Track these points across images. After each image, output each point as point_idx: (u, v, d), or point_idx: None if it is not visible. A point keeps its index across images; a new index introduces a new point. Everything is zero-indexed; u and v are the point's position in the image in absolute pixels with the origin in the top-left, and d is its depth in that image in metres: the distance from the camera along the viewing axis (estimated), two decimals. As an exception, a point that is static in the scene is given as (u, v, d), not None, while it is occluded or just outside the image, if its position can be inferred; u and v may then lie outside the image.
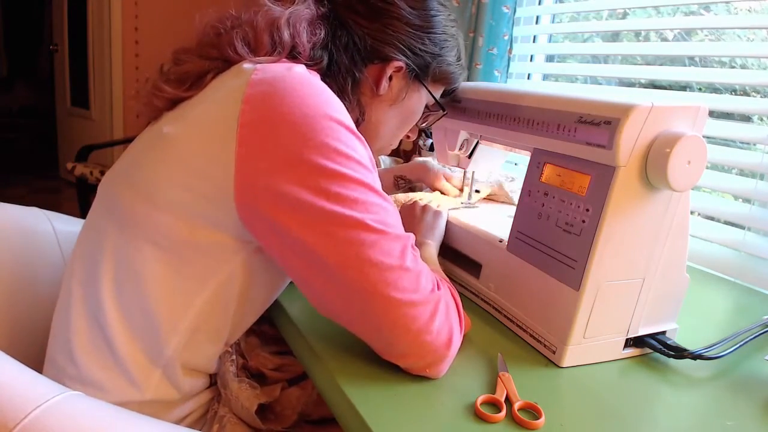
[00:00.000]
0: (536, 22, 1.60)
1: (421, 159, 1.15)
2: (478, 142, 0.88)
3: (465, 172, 0.95)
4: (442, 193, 1.00)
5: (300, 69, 0.59)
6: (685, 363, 0.64)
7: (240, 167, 0.54)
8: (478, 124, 0.81)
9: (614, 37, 1.52)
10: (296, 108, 0.54)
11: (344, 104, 0.64)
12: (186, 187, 0.56)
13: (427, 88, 0.75)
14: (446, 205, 0.91)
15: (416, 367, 0.56)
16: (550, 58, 1.61)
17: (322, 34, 0.65)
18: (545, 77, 1.61)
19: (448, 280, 0.66)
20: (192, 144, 0.57)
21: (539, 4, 1.59)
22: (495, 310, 0.73)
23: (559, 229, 0.63)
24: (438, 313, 0.55)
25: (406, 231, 0.77)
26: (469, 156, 0.90)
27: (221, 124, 0.56)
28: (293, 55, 0.63)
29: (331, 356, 0.60)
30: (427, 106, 0.80)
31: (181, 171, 0.57)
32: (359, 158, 0.56)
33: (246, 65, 0.60)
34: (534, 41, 1.60)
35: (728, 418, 0.55)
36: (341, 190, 0.53)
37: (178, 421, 0.64)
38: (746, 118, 1.21)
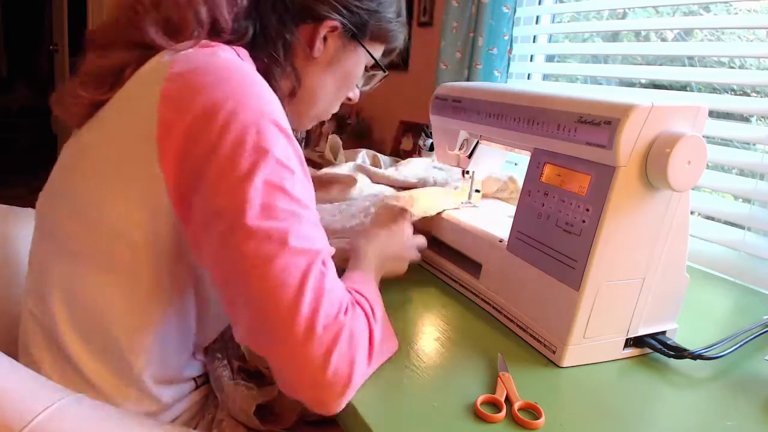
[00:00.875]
0: (536, 22, 1.60)
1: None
2: (478, 142, 0.88)
3: (465, 173, 0.95)
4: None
5: (223, 55, 0.55)
6: (685, 363, 0.64)
7: (168, 173, 0.51)
8: (478, 124, 0.81)
9: (614, 37, 1.52)
10: (215, 103, 0.50)
11: (276, 72, 0.61)
12: (117, 199, 0.53)
13: (365, 48, 0.70)
14: (446, 205, 0.91)
15: (309, 403, 0.51)
16: (550, 58, 1.61)
17: (244, 3, 0.60)
18: (545, 77, 1.61)
19: (376, 299, 0.59)
20: (113, 153, 0.54)
21: (539, 4, 1.59)
22: (495, 310, 0.73)
23: (559, 229, 0.63)
24: (338, 345, 0.49)
25: (366, 228, 0.69)
26: (469, 156, 0.90)
27: (139, 127, 0.52)
28: (215, 33, 0.58)
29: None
30: (366, 68, 0.74)
31: (108, 182, 0.53)
32: (280, 157, 0.51)
33: (164, 57, 0.55)
34: (534, 41, 1.60)
35: (728, 418, 0.55)
36: (251, 192, 0.48)
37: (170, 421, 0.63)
38: (745, 118, 1.21)
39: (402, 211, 0.82)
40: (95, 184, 0.54)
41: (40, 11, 4.85)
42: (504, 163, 1.00)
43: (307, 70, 0.67)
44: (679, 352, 0.62)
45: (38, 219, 0.61)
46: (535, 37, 1.60)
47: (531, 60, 1.63)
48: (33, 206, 0.83)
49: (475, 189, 0.96)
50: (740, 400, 0.58)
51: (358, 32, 0.68)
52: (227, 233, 0.49)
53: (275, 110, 0.53)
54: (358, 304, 0.55)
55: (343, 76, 0.71)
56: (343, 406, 0.51)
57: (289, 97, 0.67)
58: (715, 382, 0.62)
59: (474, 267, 0.78)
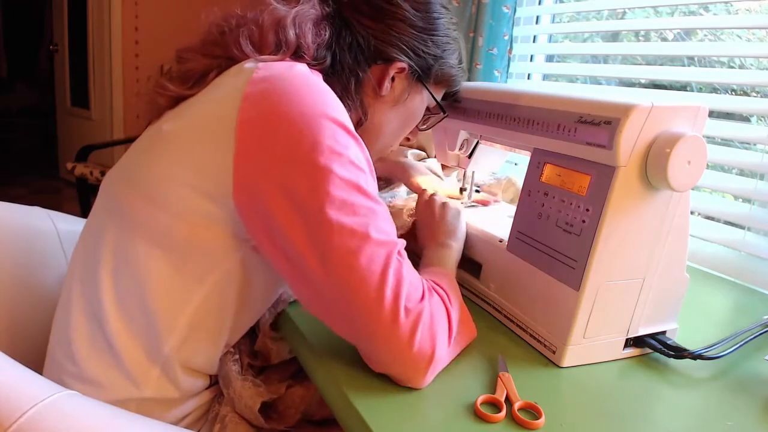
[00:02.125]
0: (536, 22, 1.60)
1: (397, 158, 1.13)
2: (478, 142, 0.88)
3: (465, 173, 0.95)
4: (413, 190, 0.97)
5: (301, 68, 0.59)
6: (685, 363, 0.64)
7: (238, 165, 0.54)
8: (478, 124, 0.81)
9: (614, 37, 1.52)
10: (294, 106, 0.54)
11: (347, 104, 0.64)
12: (185, 185, 0.57)
13: (429, 90, 0.75)
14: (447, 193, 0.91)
15: (398, 378, 0.55)
16: (550, 58, 1.61)
17: (326, 35, 0.66)
18: (545, 77, 1.61)
19: (451, 288, 0.64)
20: (191, 141, 0.57)
21: (539, 4, 1.59)
22: (495, 310, 0.73)
23: (559, 229, 0.63)
24: (420, 325, 0.54)
25: (424, 231, 0.75)
26: (469, 156, 0.90)
27: (220, 121, 0.56)
28: (298, 55, 0.63)
29: (332, 356, 0.60)
30: (428, 108, 0.80)
31: (180, 168, 0.57)
32: (353, 158, 0.55)
33: (248, 64, 0.60)
34: (534, 41, 1.60)
35: (728, 418, 0.55)
36: (332, 191, 0.53)
37: (177, 421, 0.64)
38: (745, 118, 1.21)
39: (430, 198, 0.85)
40: (166, 167, 0.58)
41: (40, 11, 4.85)
42: (504, 163, 1.01)
43: (374, 107, 0.72)
44: (679, 352, 0.62)
45: (102, 195, 0.65)
46: (535, 37, 1.60)
47: (531, 60, 1.63)
48: (33, 206, 0.83)
49: (475, 189, 0.96)
50: (740, 400, 0.58)
51: (424, 75, 0.73)
52: (311, 227, 0.53)
53: (343, 116, 0.57)
54: (435, 290, 0.59)
55: (407, 115, 0.76)
56: (429, 381, 0.56)
57: (356, 127, 0.69)
58: (715, 382, 0.62)
59: (474, 267, 0.78)
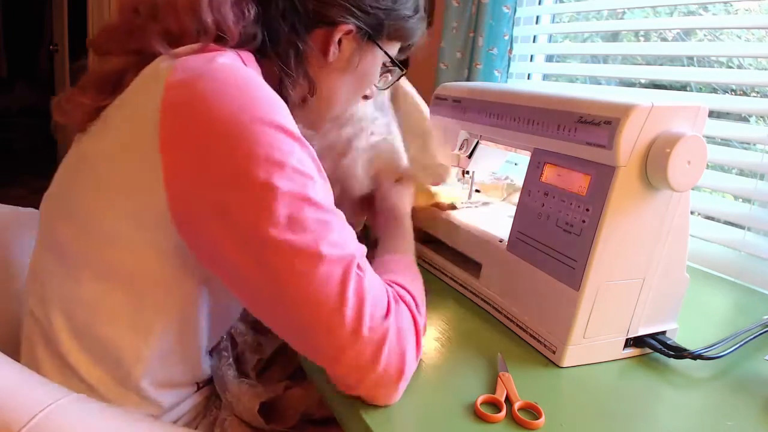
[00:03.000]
0: (536, 22, 1.60)
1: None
2: (478, 142, 0.88)
3: (465, 173, 0.94)
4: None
5: (224, 60, 0.52)
6: (685, 363, 0.64)
7: (169, 189, 0.49)
8: (478, 124, 0.81)
9: (614, 37, 1.52)
10: (220, 113, 0.48)
11: (289, 81, 0.59)
12: (121, 216, 0.52)
13: (382, 49, 0.67)
14: (449, 200, 0.91)
15: (369, 399, 0.52)
16: (550, 58, 1.61)
17: (252, 13, 0.57)
18: (545, 77, 1.61)
19: (414, 282, 0.60)
20: (117, 166, 0.52)
21: (539, 4, 1.59)
22: (495, 310, 0.73)
23: (559, 229, 0.63)
24: (386, 344, 0.50)
25: (402, 196, 0.71)
26: (469, 156, 0.90)
27: (142, 140, 0.50)
28: (221, 39, 0.56)
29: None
30: (384, 64, 0.72)
31: (112, 198, 0.52)
32: (297, 165, 0.49)
33: (163, 63, 0.52)
34: (534, 41, 1.60)
35: (728, 418, 0.55)
36: (275, 208, 0.47)
37: (172, 423, 0.63)
38: (744, 118, 1.21)
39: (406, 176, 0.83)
40: (95, 195, 0.53)
41: (40, 11, 4.85)
42: (504, 163, 1.01)
43: (321, 75, 0.65)
44: (679, 352, 0.62)
45: (40, 224, 0.61)
46: (535, 37, 1.60)
47: (531, 60, 1.63)
48: (33, 206, 0.83)
49: (475, 189, 0.96)
50: (740, 400, 0.58)
51: (374, 33, 0.65)
52: (255, 251, 0.48)
53: (281, 115, 0.51)
54: (401, 298, 0.54)
55: (360, 78, 0.69)
56: (398, 397, 0.52)
57: (301, 103, 0.65)
58: (715, 382, 0.62)
59: (474, 267, 0.78)
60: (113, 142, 0.53)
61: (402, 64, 0.73)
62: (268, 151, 0.48)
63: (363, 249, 0.53)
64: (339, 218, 0.52)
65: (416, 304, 0.56)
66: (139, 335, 0.55)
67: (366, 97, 0.76)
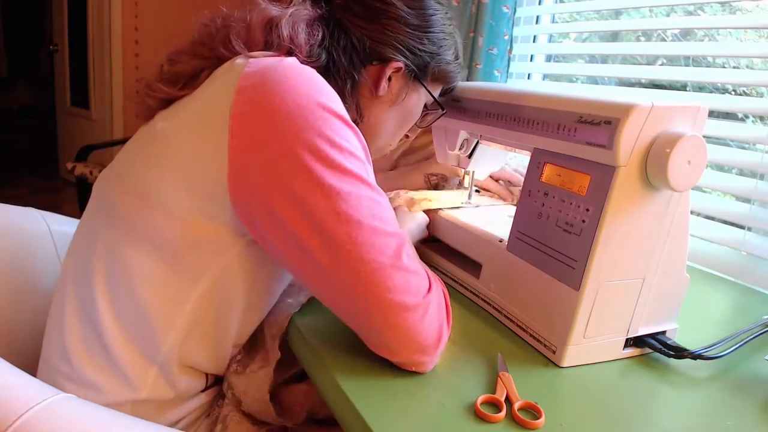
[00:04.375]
0: (536, 22, 1.60)
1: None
2: (478, 142, 0.88)
3: (465, 173, 0.94)
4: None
5: (292, 60, 0.59)
6: (685, 363, 0.64)
7: (233, 160, 0.54)
8: (478, 124, 0.81)
9: (614, 37, 1.52)
10: (288, 97, 0.54)
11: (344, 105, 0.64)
12: (179, 183, 0.56)
13: (426, 88, 0.75)
14: (447, 204, 0.91)
15: (406, 363, 0.56)
16: (549, 58, 1.61)
17: (319, 36, 0.65)
18: (545, 77, 1.61)
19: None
20: (185, 140, 0.57)
21: (539, 4, 1.59)
22: (495, 310, 0.73)
23: (559, 229, 0.63)
24: (428, 313, 0.55)
25: (404, 218, 0.75)
26: (469, 156, 0.90)
27: (213, 117, 0.55)
28: (290, 54, 0.62)
29: (331, 356, 0.60)
30: (425, 105, 0.79)
31: (175, 167, 0.57)
32: (352, 149, 0.55)
33: (239, 60, 0.59)
34: (534, 41, 1.60)
35: (728, 418, 0.55)
36: (334, 183, 0.52)
37: (173, 424, 0.63)
38: (741, 119, 1.21)
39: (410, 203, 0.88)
40: (160, 166, 0.57)
41: (40, 11, 4.85)
42: (504, 163, 1.00)
43: (371, 107, 0.72)
44: (679, 352, 0.62)
45: (95, 197, 0.65)
46: (535, 37, 1.60)
47: (531, 60, 1.63)
48: (33, 206, 0.83)
49: (475, 189, 0.96)
50: (740, 400, 0.58)
51: (420, 73, 0.73)
52: (317, 226, 0.52)
53: (340, 106, 0.57)
54: (434, 276, 0.60)
55: (405, 114, 0.76)
56: (433, 366, 0.58)
57: None
58: (715, 382, 0.62)
59: (474, 267, 0.78)
60: (185, 121, 0.58)
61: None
62: (330, 134, 0.53)
63: (407, 234, 0.59)
64: (386, 200, 0.57)
65: (441, 281, 0.62)
66: (175, 304, 0.59)
67: (407, 136, 0.82)
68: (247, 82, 0.55)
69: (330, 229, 0.52)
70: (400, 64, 0.69)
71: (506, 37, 1.50)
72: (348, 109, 0.65)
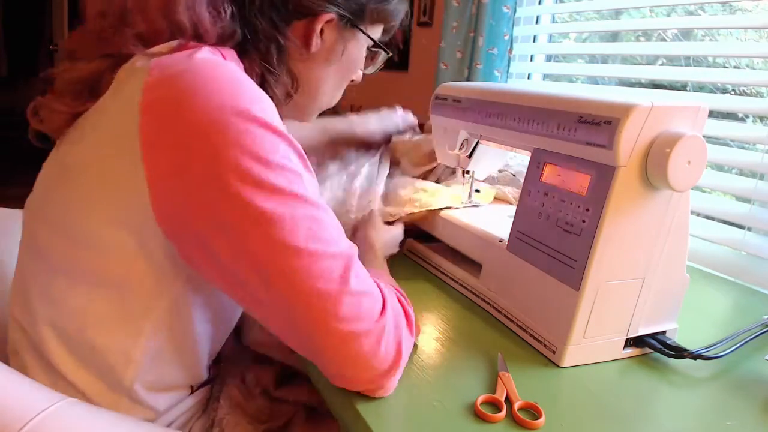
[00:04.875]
0: (536, 22, 1.60)
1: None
2: (478, 142, 0.88)
3: (465, 173, 0.94)
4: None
5: (203, 55, 0.51)
6: (685, 363, 0.64)
7: (153, 189, 0.48)
8: (478, 124, 0.81)
9: (614, 37, 1.52)
10: (201, 112, 0.47)
11: (271, 77, 0.58)
12: (105, 221, 0.51)
13: (365, 33, 0.66)
14: (447, 204, 0.91)
15: (366, 390, 0.52)
16: (550, 58, 1.61)
17: (228, 11, 0.56)
18: (545, 77, 1.62)
19: (397, 287, 0.61)
20: (98, 171, 0.51)
21: (539, 4, 1.59)
22: (495, 310, 0.73)
23: (559, 229, 0.63)
24: (384, 336, 0.51)
25: (375, 225, 0.71)
26: (469, 156, 0.90)
27: (122, 142, 0.49)
28: (199, 37, 0.54)
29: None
30: (368, 48, 0.70)
31: (95, 204, 0.51)
32: (283, 161, 0.48)
33: (139, 62, 0.51)
34: (534, 41, 1.60)
35: (728, 418, 0.55)
36: (266, 206, 0.46)
37: (169, 424, 0.62)
38: (741, 119, 1.21)
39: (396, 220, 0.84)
40: (77, 202, 0.52)
41: (40, 11, 4.85)
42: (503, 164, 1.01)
43: (305, 67, 0.64)
44: (679, 352, 0.62)
45: (23, 230, 0.59)
46: (535, 37, 1.60)
47: (531, 60, 1.63)
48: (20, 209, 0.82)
49: (475, 189, 0.96)
50: (740, 400, 0.58)
51: (356, 18, 0.64)
52: (247, 251, 0.47)
53: (264, 110, 0.49)
54: (389, 293, 0.55)
55: (345, 65, 0.68)
56: (394, 388, 0.53)
57: (287, 98, 0.65)
58: (715, 382, 0.62)
59: (474, 267, 0.78)
60: (93, 148, 0.52)
61: (386, 46, 0.71)
62: (253, 149, 0.47)
63: (354, 246, 0.53)
64: (329, 214, 0.51)
65: (404, 297, 0.58)
66: (129, 338, 0.54)
67: (353, 82, 0.74)
68: (152, 97, 0.48)
69: (266, 262, 0.47)
70: (332, 15, 0.61)
71: (506, 37, 1.50)
72: (278, 81, 0.60)
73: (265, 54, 0.59)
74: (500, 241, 0.74)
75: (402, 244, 0.84)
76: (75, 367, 0.55)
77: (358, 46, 0.68)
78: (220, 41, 0.56)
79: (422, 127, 1.07)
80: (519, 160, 1.07)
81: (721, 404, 0.57)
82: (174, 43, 0.53)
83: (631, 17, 1.50)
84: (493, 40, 1.50)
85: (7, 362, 0.57)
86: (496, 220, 0.85)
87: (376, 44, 0.69)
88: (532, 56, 1.62)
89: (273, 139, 0.49)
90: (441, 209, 0.89)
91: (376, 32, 0.70)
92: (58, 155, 0.57)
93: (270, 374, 0.72)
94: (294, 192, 0.48)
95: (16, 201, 0.79)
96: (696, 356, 0.62)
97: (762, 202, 1.00)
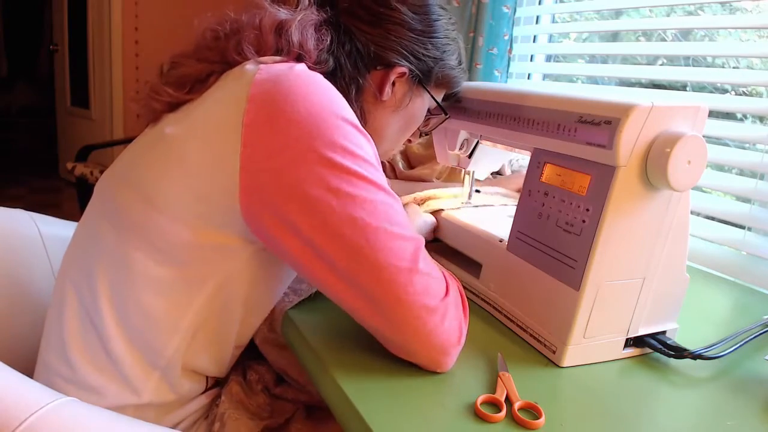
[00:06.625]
0: (536, 22, 1.60)
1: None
2: (478, 142, 0.88)
3: (465, 173, 0.94)
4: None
5: (302, 67, 0.59)
6: (685, 363, 0.64)
7: (245, 168, 0.54)
8: (478, 124, 0.81)
9: (614, 37, 1.52)
10: (301, 106, 0.54)
11: None
12: (188, 189, 0.56)
13: (430, 93, 0.75)
14: (447, 205, 0.91)
15: (426, 364, 0.57)
16: (549, 58, 1.61)
17: (327, 41, 0.65)
18: (545, 77, 1.62)
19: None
20: (195, 145, 0.56)
21: (539, 4, 1.59)
22: (495, 310, 0.73)
23: (559, 229, 0.63)
24: (448, 315, 0.56)
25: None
26: (469, 156, 0.90)
27: (225, 124, 0.55)
28: (299, 60, 0.62)
29: (331, 355, 0.60)
30: (429, 110, 0.79)
31: (183, 172, 0.56)
32: (366, 156, 0.55)
33: (249, 66, 0.59)
34: (534, 41, 1.60)
35: (728, 418, 0.55)
36: (350, 189, 0.53)
37: (173, 426, 0.63)
38: (740, 119, 1.21)
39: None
40: (168, 170, 0.57)
41: (40, 11, 4.85)
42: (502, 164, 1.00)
43: (374, 112, 0.72)
44: (679, 352, 0.62)
45: (98, 197, 0.64)
46: (535, 37, 1.60)
47: (531, 60, 1.63)
48: (33, 205, 0.83)
49: (475, 189, 0.96)
50: (740, 400, 0.58)
51: (424, 78, 0.73)
52: (335, 232, 0.53)
53: (350, 113, 0.57)
54: (452, 277, 0.61)
55: (408, 119, 0.76)
56: (454, 362, 0.58)
57: None
58: (715, 382, 0.62)
59: (474, 267, 0.78)
60: (195, 126, 0.58)
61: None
62: (344, 142, 0.54)
63: (422, 237, 0.58)
64: (399, 204, 0.57)
65: (456, 278, 0.63)
66: (180, 308, 0.58)
67: (410, 141, 0.82)
68: (259, 90, 0.55)
69: (347, 236, 0.53)
70: (404, 69, 0.70)
71: (506, 37, 1.50)
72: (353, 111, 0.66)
73: (346, 89, 0.66)
74: (500, 241, 0.74)
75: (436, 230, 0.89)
76: (120, 334, 0.58)
77: (422, 103, 0.76)
78: (317, 64, 0.63)
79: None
80: (524, 161, 1.07)
81: (722, 404, 0.57)
82: (278, 57, 0.61)
83: (630, 17, 1.50)
84: (493, 40, 1.50)
85: (9, 357, 0.57)
86: (496, 220, 0.85)
87: (437, 104, 0.78)
88: (532, 56, 1.62)
89: (358, 136, 0.56)
90: (442, 210, 0.89)
91: (439, 96, 0.79)
92: (156, 129, 0.62)
93: (271, 372, 0.73)
94: (374, 180, 0.55)
95: (16, 201, 0.79)
96: (696, 356, 0.62)
97: (762, 202, 1.00)
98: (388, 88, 0.70)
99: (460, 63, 0.78)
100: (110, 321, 0.58)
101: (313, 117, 0.54)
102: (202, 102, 0.60)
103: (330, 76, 0.64)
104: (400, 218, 0.56)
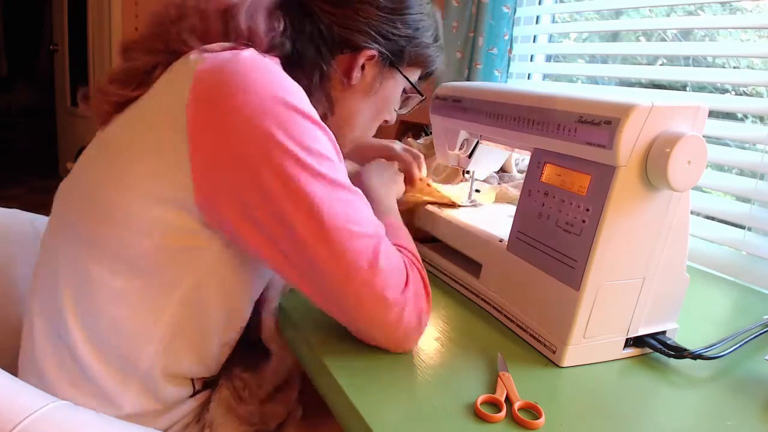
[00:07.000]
0: (536, 22, 1.60)
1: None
2: (478, 142, 0.88)
3: (465, 173, 0.94)
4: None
5: (249, 53, 0.55)
6: (685, 363, 0.64)
7: (196, 165, 0.52)
8: (478, 124, 0.81)
9: (614, 37, 1.52)
10: (247, 97, 0.51)
11: (311, 99, 0.60)
12: (142, 196, 0.53)
13: (403, 74, 0.71)
14: (446, 195, 0.91)
15: (392, 349, 0.59)
16: (549, 58, 1.61)
17: (281, 26, 0.60)
18: (545, 77, 1.62)
19: (410, 242, 0.66)
20: (142, 148, 0.54)
21: (539, 4, 1.59)
22: (495, 310, 0.73)
23: (559, 229, 0.63)
24: (407, 307, 0.57)
25: (367, 172, 0.74)
26: (469, 156, 0.90)
27: (169, 123, 0.52)
28: (252, 43, 0.58)
29: (331, 355, 0.60)
30: (404, 90, 0.75)
31: (134, 179, 0.54)
32: (322, 150, 0.53)
33: (192, 56, 0.56)
34: (534, 41, 1.60)
35: (728, 418, 0.55)
36: (302, 189, 0.51)
37: (164, 430, 0.62)
38: (740, 119, 1.21)
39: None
40: (119, 179, 0.55)
41: (40, 11, 4.85)
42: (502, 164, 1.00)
43: (343, 98, 0.68)
44: (679, 352, 0.62)
45: (56, 211, 0.62)
46: (535, 37, 1.60)
47: (531, 60, 1.63)
48: (33, 205, 0.82)
49: (475, 189, 0.96)
50: (740, 400, 0.58)
51: (396, 59, 0.68)
52: (287, 225, 0.52)
53: (302, 101, 0.54)
54: (413, 264, 0.61)
55: (381, 102, 0.72)
56: (415, 345, 0.61)
57: (321, 119, 0.67)
58: (715, 382, 0.62)
59: (474, 267, 0.78)
60: (140, 129, 0.55)
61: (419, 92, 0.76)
62: (296, 135, 0.51)
63: (383, 226, 0.58)
64: (360, 197, 0.56)
65: (419, 261, 0.63)
66: (151, 316, 0.57)
67: (386, 122, 0.78)
68: (202, 84, 0.52)
69: (305, 236, 0.52)
70: (374, 52, 0.65)
71: (506, 37, 1.50)
72: (317, 103, 0.62)
73: (309, 77, 0.62)
74: (500, 241, 0.74)
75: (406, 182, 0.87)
76: (92, 350, 0.56)
77: (395, 85, 0.72)
78: (269, 50, 0.59)
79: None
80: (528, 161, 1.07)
81: (721, 404, 0.57)
82: (226, 44, 0.57)
83: (630, 17, 1.50)
84: (493, 40, 1.49)
85: (7, 360, 0.57)
86: (496, 220, 0.85)
87: (412, 85, 0.73)
88: (532, 56, 1.62)
89: (312, 128, 0.53)
90: (441, 203, 0.89)
91: (413, 75, 0.74)
92: (102, 134, 0.60)
93: (261, 378, 0.72)
94: (331, 177, 0.53)
95: (16, 201, 0.79)
96: (696, 356, 0.62)
97: (762, 202, 1.00)
98: (356, 73, 0.66)
99: (436, 40, 0.73)
100: (78, 335, 0.56)
101: (261, 111, 0.51)
102: (145, 101, 0.57)
103: (288, 62, 0.60)
104: (360, 215, 0.55)
